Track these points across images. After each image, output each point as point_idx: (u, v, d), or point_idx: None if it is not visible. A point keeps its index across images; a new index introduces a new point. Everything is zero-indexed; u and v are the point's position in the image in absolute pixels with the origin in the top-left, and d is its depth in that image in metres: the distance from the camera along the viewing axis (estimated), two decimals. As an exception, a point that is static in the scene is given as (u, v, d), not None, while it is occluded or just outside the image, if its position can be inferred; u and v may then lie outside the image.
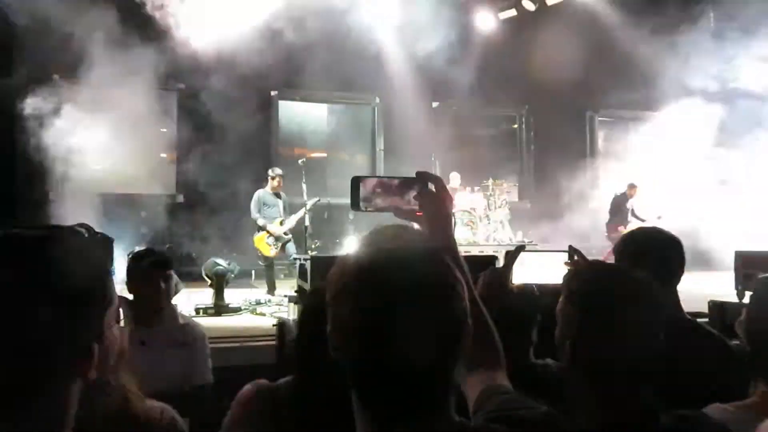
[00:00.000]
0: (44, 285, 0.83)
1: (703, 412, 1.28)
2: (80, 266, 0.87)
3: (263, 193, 7.92)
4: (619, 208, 10.08)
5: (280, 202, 7.94)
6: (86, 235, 0.93)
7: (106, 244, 0.96)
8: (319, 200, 8.03)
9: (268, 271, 7.67)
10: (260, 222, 7.72)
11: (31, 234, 0.87)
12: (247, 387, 1.60)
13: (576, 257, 1.95)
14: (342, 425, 1.18)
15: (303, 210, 7.78)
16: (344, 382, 0.92)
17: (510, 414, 1.04)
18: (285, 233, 7.76)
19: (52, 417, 0.86)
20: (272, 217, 7.79)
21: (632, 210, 10.05)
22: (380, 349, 0.84)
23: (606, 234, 10.10)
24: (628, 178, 10.31)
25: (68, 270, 0.85)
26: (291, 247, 7.80)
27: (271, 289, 7.44)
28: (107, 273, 0.95)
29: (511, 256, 1.55)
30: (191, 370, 2.86)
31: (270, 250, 7.67)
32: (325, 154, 11.36)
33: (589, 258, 1.98)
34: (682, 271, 2.01)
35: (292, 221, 7.82)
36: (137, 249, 3.02)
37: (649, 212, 9.84)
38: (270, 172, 8.02)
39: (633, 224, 9.51)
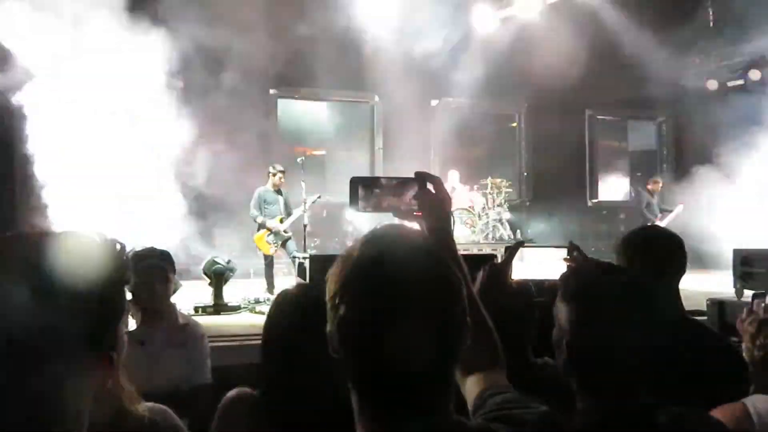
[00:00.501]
0: (68, 292, 0.83)
1: (700, 410, 1.28)
2: (102, 273, 0.87)
3: (263, 191, 7.83)
4: (647, 204, 9.91)
5: (281, 200, 7.85)
6: (100, 241, 0.93)
7: (122, 251, 0.95)
8: (319, 197, 7.92)
9: (268, 270, 7.63)
10: (259, 220, 7.67)
11: (52, 240, 0.87)
12: (229, 394, 1.61)
13: (575, 254, 1.94)
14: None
15: (303, 207, 7.69)
16: (321, 389, 0.91)
17: (509, 414, 1.04)
18: (285, 231, 7.72)
19: (70, 426, 0.86)
20: (272, 215, 7.72)
21: (658, 204, 9.94)
22: (380, 349, 0.85)
23: None
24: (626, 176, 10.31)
25: (92, 277, 0.85)
26: (291, 245, 7.74)
27: (271, 288, 7.43)
28: (124, 280, 0.95)
29: (511, 251, 1.56)
30: (191, 369, 2.86)
31: (270, 248, 7.65)
32: (324, 152, 11.36)
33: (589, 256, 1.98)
34: (684, 270, 2.01)
35: (291, 219, 7.77)
36: (137, 249, 3.01)
37: (670, 202, 9.81)
38: (271, 168, 7.90)
39: (661, 218, 9.52)
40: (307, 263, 6.63)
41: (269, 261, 7.67)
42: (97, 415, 0.97)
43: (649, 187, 10.04)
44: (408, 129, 10.52)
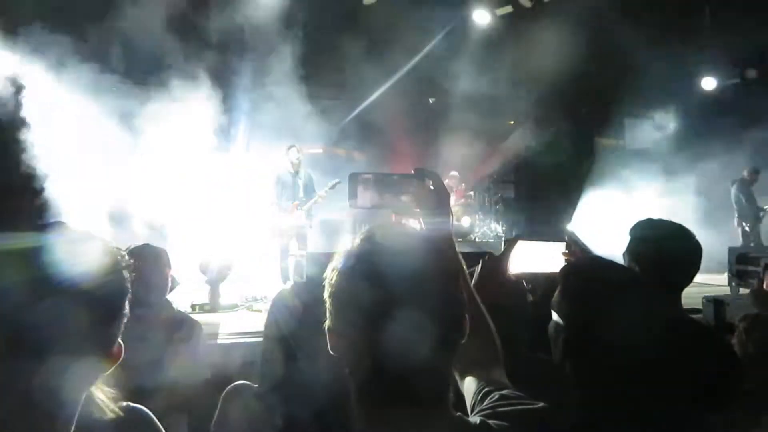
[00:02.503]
0: (70, 289, 0.83)
1: (692, 406, 1.28)
2: (102, 272, 0.88)
3: (281, 173, 7.36)
4: (746, 198, 8.80)
5: (300, 183, 7.34)
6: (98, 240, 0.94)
7: (119, 252, 0.97)
8: (338, 182, 7.26)
9: (282, 261, 7.32)
10: (273, 206, 7.25)
11: (55, 237, 0.87)
12: (230, 387, 1.64)
13: (573, 247, 1.93)
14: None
15: (315, 198, 7.33)
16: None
17: (508, 411, 1.04)
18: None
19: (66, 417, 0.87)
20: (289, 199, 7.30)
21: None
22: (378, 345, 0.85)
23: (745, 228, 8.73)
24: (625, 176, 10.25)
25: (92, 275, 0.86)
26: (305, 240, 7.36)
27: (285, 281, 7.19)
28: (123, 279, 0.95)
29: (509, 244, 1.56)
30: (189, 365, 2.85)
31: (278, 237, 7.34)
32: (321, 150, 11.33)
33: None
34: (695, 275, 1.97)
35: (308, 204, 7.34)
36: (133, 245, 3.01)
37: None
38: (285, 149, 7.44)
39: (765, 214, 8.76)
40: (304, 261, 6.60)
41: (283, 251, 7.32)
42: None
43: (746, 177, 8.91)
44: (406, 127, 10.52)
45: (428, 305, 0.87)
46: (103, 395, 1.16)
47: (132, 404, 1.22)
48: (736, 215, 8.91)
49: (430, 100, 11.45)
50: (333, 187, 7.31)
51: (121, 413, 1.16)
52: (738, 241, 8.59)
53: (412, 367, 0.85)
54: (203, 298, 6.23)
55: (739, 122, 9.77)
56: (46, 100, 7.18)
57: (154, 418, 1.25)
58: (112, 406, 1.17)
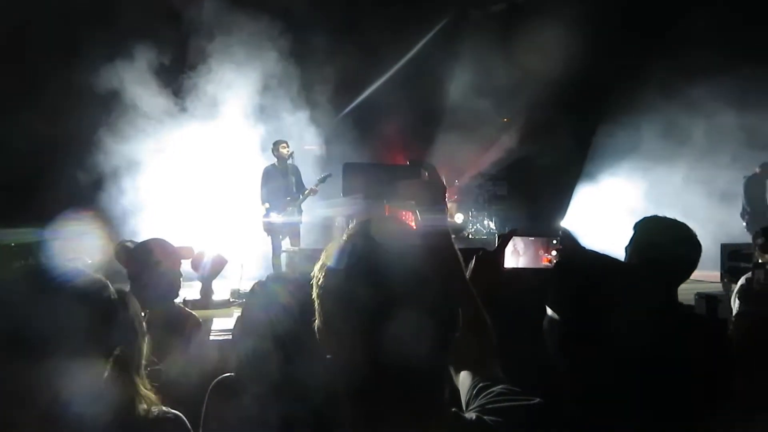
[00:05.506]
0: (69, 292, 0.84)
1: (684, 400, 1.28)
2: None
3: (268, 167, 7.34)
4: (758, 196, 8.31)
5: (292, 178, 7.27)
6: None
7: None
8: (329, 175, 7.15)
9: (274, 258, 7.31)
10: (263, 203, 7.19)
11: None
12: (216, 380, 1.67)
13: (567, 242, 1.93)
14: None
15: (306, 193, 7.29)
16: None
17: (503, 406, 1.04)
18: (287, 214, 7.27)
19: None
20: (278, 194, 7.25)
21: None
22: (375, 343, 0.84)
23: (745, 226, 8.19)
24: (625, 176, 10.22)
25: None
26: (295, 236, 7.33)
27: None
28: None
29: (504, 239, 1.56)
30: (186, 359, 2.84)
31: (268, 234, 7.32)
32: (315, 147, 11.29)
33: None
34: (691, 271, 2.00)
35: (299, 201, 7.29)
36: (126, 239, 2.99)
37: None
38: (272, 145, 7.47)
39: None
40: (296, 257, 6.57)
41: (275, 247, 7.29)
42: (104, 411, 0.97)
43: (758, 172, 8.36)
44: (401, 123, 10.50)
45: (426, 304, 0.86)
46: (147, 396, 1.18)
47: (170, 409, 1.25)
48: (754, 215, 8.62)
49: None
50: (323, 180, 7.25)
51: (162, 415, 1.19)
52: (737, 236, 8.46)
53: (409, 364, 0.85)
54: (195, 294, 6.20)
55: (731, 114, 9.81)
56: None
57: (187, 423, 1.28)
58: (155, 408, 1.19)
